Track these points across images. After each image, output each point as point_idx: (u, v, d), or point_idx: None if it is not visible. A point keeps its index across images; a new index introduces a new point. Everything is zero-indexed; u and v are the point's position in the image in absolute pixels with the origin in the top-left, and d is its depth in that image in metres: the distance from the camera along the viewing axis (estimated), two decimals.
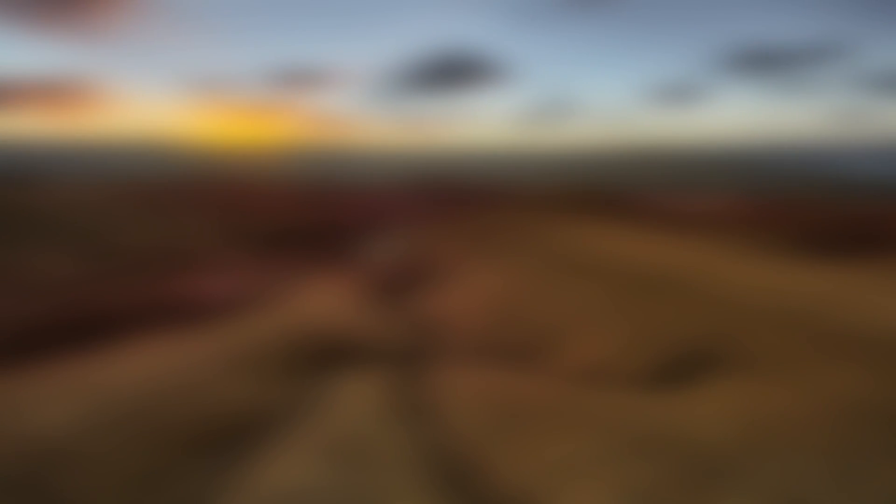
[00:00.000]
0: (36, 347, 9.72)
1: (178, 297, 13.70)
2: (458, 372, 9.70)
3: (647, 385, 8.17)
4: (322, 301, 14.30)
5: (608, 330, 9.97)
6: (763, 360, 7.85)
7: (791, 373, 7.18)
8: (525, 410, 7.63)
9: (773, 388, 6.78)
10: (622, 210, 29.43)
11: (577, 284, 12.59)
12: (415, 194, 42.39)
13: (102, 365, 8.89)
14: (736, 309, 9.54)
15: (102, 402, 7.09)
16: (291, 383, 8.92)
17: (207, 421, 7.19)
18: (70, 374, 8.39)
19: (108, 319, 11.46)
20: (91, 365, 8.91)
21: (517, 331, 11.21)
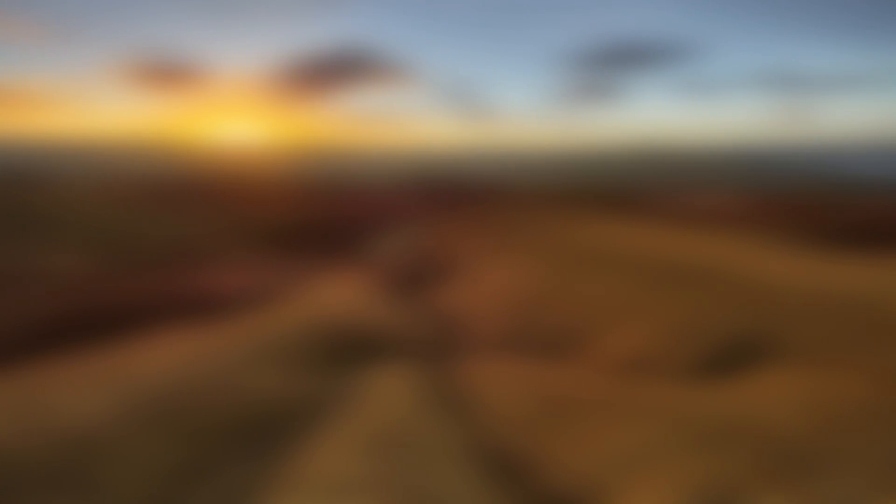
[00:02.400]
0: (62, 341, 9.57)
1: (196, 292, 13.55)
2: (490, 364, 9.51)
3: (694, 375, 8.08)
4: (341, 295, 14.16)
5: (644, 321, 9.93)
6: (812, 349, 7.83)
7: (846, 360, 7.18)
8: (570, 402, 7.49)
9: (833, 376, 6.78)
10: (629, 207, 29.56)
11: (603, 277, 12.56)
12: (411, 193, 42.31)
13: (130, 357, 8.71)
14: (774, 299, 9.55)
15: (134, 393, 6.92)
16: (322, 375, 8.67)
17: (243, 412, 7.03)
18: (99, 366, 8.22)
19: (130, 313, 11.31)
20: (118, 357, 8.73)
21: (546, 323, 11.14)
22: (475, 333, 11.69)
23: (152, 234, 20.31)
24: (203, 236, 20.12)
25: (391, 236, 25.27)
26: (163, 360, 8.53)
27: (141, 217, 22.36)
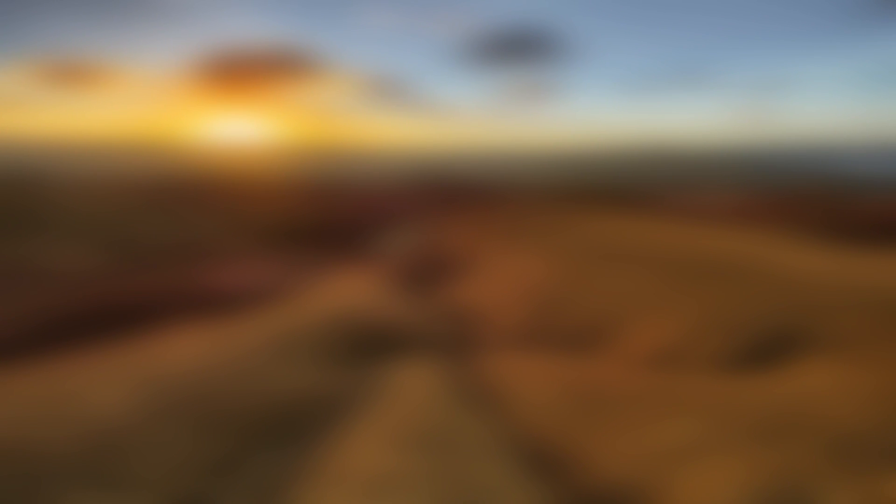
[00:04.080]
0: (80, 336, 9.41)
1: (208, 288, 13.36)
2: (515, 358, 9.28)
3: (729, 367, 7.97)
4: (356, 291, 13.98)
5: (672, 315, 9.78)
6: (847, 340, 7.71)
7: (883, 350, 7.13)
8: (604, 395, 7.32)
9: (875, 366, 6.71)
10: (631, 205, 29.51)
11: (624, 272, 12.41)
12: (405, 190, 42.05)
13: (151, 352, 8.54)
14: (802, 292, 9.39)
15: (160, 387, 6.73)
16: (345, 369, 8.54)
17: (270, 405, 6.83)
18: (121, 362, 8.04)
19: (145, 309, 11.13)
20: (140, 352, 8.56)
21: (568, 317, 10.97)
22: (495, 328, 11.53)
23: (158, 231, 20.02)
24: (208, 234, 19.87)
25: (396, 234, 25.11)
26: (185, 355, 8.37)
27: (144, 215, 22.03)
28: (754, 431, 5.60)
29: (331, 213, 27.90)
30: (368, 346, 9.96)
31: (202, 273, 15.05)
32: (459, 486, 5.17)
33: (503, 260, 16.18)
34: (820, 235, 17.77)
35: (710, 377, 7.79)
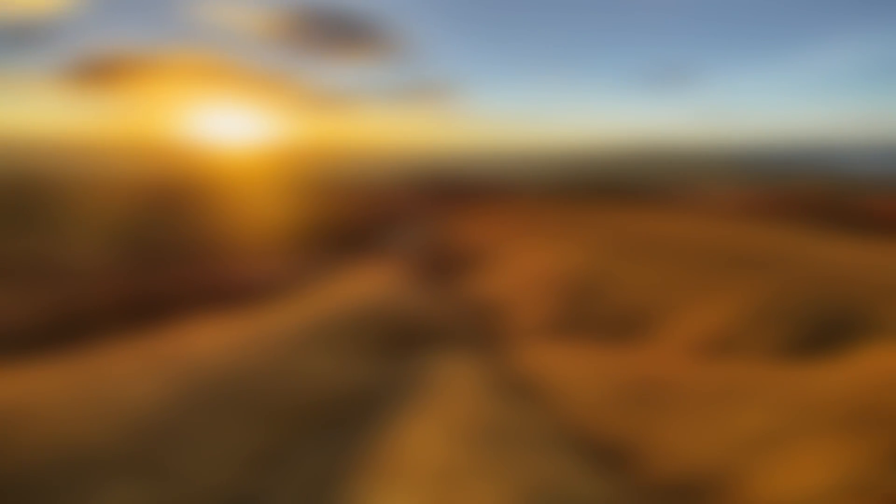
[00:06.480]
0: (107, 329, 9.27)
1: (228, 283, 13.26)
2: (553, 349, 9.12)
3: (786, 354, 7.71)
4: (377, 285, 13.76)
5: (715, 303, 9.53)
6: None
7: None
8: (658, 384, 7.00)
9: None
10: (645, 201, 29.55)
11: (656, 262, 12.17)
12: (410, 189, 41.83)
13: (180, 344, 8.33)
14: (842, 281, 9.34)
15: (193, 378, 6.48)
16: (381, 361, 8.39)
17: (309, 397, 6.53)
18: (153, 353, 7.84)
19: (166, 303, 11.01)
20: (169, 344, 8.36)
21: (603, 307, 10.70)
22: (529, 320, 11.40)
23: (169, 230, 19.77)
24: (216, 233, 19.69)
25: (411, 231, 24.98)
26: (216, 347, 8.14)
27: (153, 214, 21.74)
28: (832, 418, 5.31)
29: (328, 211, 27.65)
30: (401, 338, 9.75)
31: (221, 269, 14.90)
32: (524, 478, 5.02)
33: (527, 254, 16.09)
34: (835, 229, 17.93)
35: (769, 365, 7.62)
